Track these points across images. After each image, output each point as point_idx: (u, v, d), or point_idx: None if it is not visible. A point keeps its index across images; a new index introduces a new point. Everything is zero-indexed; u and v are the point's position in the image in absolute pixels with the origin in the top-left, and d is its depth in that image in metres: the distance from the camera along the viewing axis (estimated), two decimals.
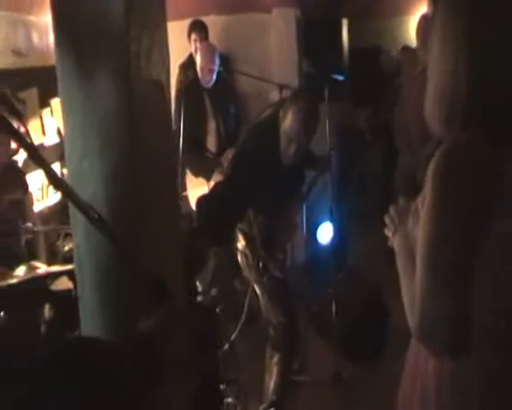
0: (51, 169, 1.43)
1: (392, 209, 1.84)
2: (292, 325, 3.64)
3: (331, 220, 4.39)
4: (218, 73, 4.87)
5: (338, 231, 4.38)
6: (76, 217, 1.88)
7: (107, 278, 1.85)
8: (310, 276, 4.79)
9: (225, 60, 5.52)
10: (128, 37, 1.89)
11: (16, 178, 4.03)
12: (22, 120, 3.35)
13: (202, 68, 4.77)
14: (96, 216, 1.54)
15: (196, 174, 4.66)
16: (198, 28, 5.38)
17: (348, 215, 5.11)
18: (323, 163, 3.96)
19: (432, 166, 1.52)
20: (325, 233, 4.60)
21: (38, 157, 1.34)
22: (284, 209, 3.65)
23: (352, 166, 6.10)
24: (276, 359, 3.63)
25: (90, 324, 1.94)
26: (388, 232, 1.82)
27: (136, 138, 1.86)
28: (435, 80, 1.58)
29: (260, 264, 3.58)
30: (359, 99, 6.11)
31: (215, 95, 4.84)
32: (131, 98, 1.90)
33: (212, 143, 4.75)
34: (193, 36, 5.36)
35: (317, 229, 4.81)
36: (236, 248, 3.72)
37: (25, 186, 4.12)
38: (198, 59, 4.83)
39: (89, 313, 1.94)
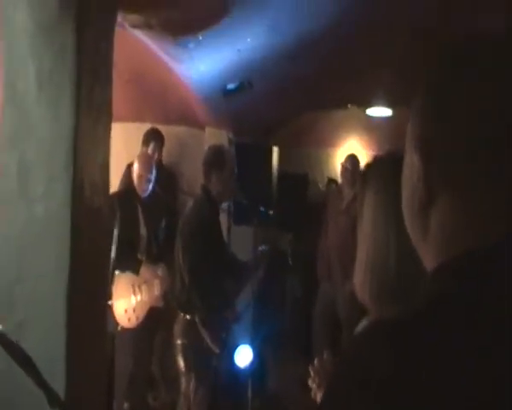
0: None
1: (317, 362, 1.86)
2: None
3: (250, 343, 4.37)
4: (153, 185, 4.74)
5: (257, 354, 4.37)
6: None
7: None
8: (225, 399, 4.70)
9: (167, 168, 5.70)
10: (74, 175, 1.94)
11: None
12: None
13: (140, 176, 4.61)
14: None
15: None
16: (156, 138, 5.48)
17: (268, 338, 5.12)
18: (252, 265, 4.16)
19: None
20: (243, 356, 4.56)
21: None
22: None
23: (273, 289, 6.18)
24: None
25: None
26: (312, 384, 1.85)
27: (73, 272, 1.87)
28: (365, 252, 1.62)
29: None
30: (283, 224, 6.29)
31: (148, 206, 4.72)
32: (73, 222, 1.92)
33: (141, 255, 4.64)
34: (151, 145, 5.43)
35: (234, 350, 4.77)
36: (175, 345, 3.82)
37: None
38: (135, 167, 4.69)
39: None
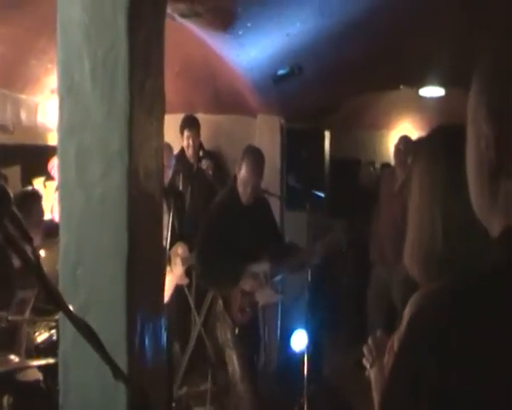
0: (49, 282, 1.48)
1: (370, 340, 1.88)
2: (256, 394, 3.94)
3: (306, 328, 4.40)
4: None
5: (312, 339, 4.39)
6: (64, 322, 1.92)
7: (95, 392, 1.87)
8: (281, 383, 4.75)
9: (215, 156, 5.85)
10: (129, 162, 2.01)
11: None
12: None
13: None
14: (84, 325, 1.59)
15: None
16: (190, 125, 5.57)
17: (323, 324, 5.13)
18: (306, 254, 4.21)
19: (408, 309, 1.56)
20: (299, 340, 4.59)
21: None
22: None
23: (326, 275, 6.18)
24: None
25: None
26: (366, 363, 1.87)
27: (131, 254, 1.94)
28: (413, 227, 1.65)
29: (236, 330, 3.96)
30: (336, 209, 6.28)
31: (168, 190, 4.73)
32: (129, 207, 1.99)
33: (164, 237, 4.72)
34: (185, 133, 5.54)
35: (290, 335, 4.80)
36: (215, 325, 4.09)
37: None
38: None
39: None
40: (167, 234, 4.55)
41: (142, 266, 2.02)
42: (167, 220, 4.60)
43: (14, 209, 1.45)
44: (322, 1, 3.95)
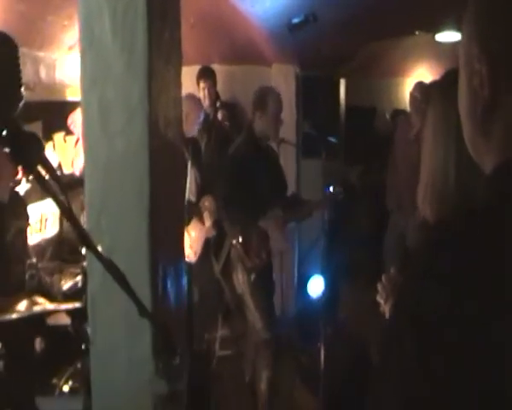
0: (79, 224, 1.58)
1: (384, 278, 1.97)
2: (274, 339, 4.07)
3: (322, 274, 4.49)
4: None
5: (329, 285, 4.49)
6: (92, 265, 2.02)
7: (121, 330, 1.98)
8: (299, 328, 4.89)
9: (231, 106, 5.92)
10: (150, 111, 2.07)
11: (21, 206, 4.05)
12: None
13: (187, 115, 4.35)
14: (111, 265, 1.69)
15: None
16: (206, 76, 5.62)
17: (338, 268, 5.23)
18: (317, 204, 4.27)
19: None
20: (316, 286, 4.70)
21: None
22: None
23: (342, 221, 6.25)
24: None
25: (100, 370, 2.07)
26: (380, 300, 1.96)
27: (152, 201, 2.02)
28: (427, 169, 1.70)
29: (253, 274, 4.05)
30: (352, 157, 6.31)
31: (192, 144, 4.81)
32: (151, 154, 2.06)
33: (191, 191, 4.71)
34: (201, 84, 5.59)
35: (307, 282, 4.91)
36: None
37: (27, 216, 4.16)
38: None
39: (99, 359, 2.06)
40: (190, 184, 4.62)
41: (164, 213, 2.11)
42: (188, 170, 4.66)
43: (46, 155, 1.53)
44: None
